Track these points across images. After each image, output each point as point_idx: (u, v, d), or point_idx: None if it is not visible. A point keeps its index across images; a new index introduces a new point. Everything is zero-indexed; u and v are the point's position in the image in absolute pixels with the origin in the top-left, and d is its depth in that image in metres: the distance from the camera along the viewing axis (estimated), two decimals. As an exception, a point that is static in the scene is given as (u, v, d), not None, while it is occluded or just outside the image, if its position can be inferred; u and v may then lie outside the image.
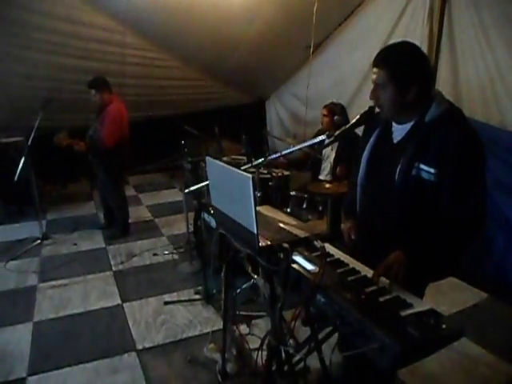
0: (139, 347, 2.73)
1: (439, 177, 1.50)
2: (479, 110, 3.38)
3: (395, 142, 1.68)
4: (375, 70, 1.58)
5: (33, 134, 3.98)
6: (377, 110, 1.67)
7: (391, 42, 1.72)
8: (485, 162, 1.53)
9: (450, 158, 1.47)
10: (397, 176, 1.58)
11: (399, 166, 1.58)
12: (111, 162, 4.18)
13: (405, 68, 1.53)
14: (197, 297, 3.27)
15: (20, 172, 3.87)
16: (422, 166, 1.53)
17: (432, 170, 1.51)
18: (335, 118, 3.18)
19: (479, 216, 1.53)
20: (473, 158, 1.49)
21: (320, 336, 1.83)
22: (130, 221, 4.68)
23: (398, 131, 1.67)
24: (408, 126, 1.63)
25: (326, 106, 3.94)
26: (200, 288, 3.32)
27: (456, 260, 1.61)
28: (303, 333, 1.82)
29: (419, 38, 3.72)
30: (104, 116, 4.06)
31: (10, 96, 4.97)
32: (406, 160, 1.56)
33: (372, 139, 1.78)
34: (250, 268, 1.73)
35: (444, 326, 1.21)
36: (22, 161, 3.91)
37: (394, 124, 1.70)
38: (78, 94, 4.21)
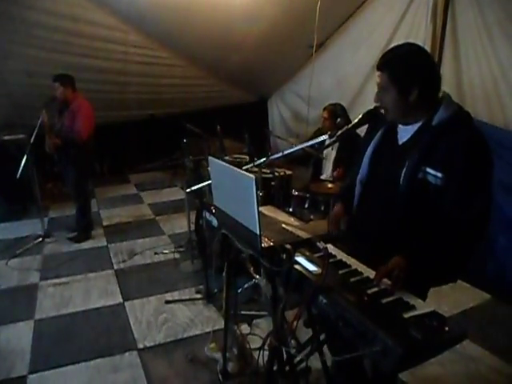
0: (140, 346, 2.73)
1: (445, 181, 1.48)
2: (482, 110, 3.37)
3: (400, 143, 1.66)
4: (378, 73, 1.58)
5: (35, 132, 3.98)
6: (382, 111, 1.66)
7: (394, 41, 1.72)
8: (491, 168, 1.51)
9: (456, 163, 1.45)
10: (402, 178, 1.56)
11: (404, 169, 1.55)
12: (83, 155, 4.20)
13: (404, 70, 1.52)
14: (198, 296, 3.27)
15: (22, 170, 3.87)
16: (429, 170, 1.50)
17: (439, 174, 1.48)
18: (338, 120, 3.11)
19: (482, 222, 1.51)
20: (479, 165, 1.48)
21: (321, 337, 1.83)
22: (130, 219, 4.67)
23: (404, 132, 1.65)
24: (414, 127, 1.61)
25: (325, 109, 3.83)
26: (201, 287, 3.32)
27: (459, 265, 1.58)
28: (305, 333, 1.82)
29: (422, 37, 3.70)
30: (73, 111, 4.08)
31: (13, 94, 4.97)
32: (412, 163, 1.54)
33: (376, 138, 1.76)
34: (251, 268, 1.73)
35: (447, 329, 1.20)
36: (25, 158, 3.91)
37: (399, 125, 1.68)
38: (81, 92, 4.22)
